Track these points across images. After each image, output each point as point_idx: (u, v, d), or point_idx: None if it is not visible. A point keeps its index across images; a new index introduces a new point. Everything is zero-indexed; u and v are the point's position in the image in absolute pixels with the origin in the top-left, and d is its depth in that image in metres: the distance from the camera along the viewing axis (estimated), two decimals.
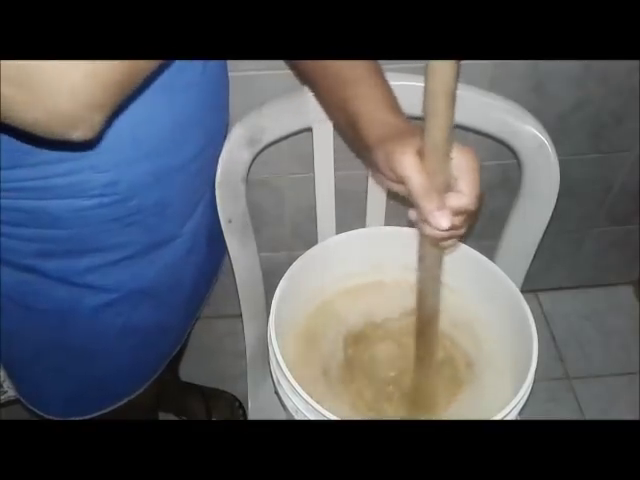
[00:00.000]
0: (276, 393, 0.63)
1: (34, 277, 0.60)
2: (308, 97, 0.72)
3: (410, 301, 0.62)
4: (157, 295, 0.69)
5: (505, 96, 0.73)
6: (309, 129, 0.75)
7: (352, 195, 0.96)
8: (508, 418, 0.58)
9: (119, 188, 0.55)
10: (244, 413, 1.18)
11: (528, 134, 0.73)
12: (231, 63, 0.66)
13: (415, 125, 0.53)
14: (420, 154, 0.47)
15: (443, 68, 0.41)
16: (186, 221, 0.67)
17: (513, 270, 0.77)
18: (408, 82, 0.71)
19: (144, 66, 0.41)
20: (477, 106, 0.73)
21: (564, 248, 1.27)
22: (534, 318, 0.64)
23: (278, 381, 0.62)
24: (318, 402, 0.56)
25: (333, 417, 0.55)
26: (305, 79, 0.68)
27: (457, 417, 0.64)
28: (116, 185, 0.55)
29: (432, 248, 0.53)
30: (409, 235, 0.60)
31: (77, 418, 0.74)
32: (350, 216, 0.87)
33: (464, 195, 0.49)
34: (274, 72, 0.86)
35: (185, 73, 0.55)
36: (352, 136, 0.59)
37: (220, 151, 0.69)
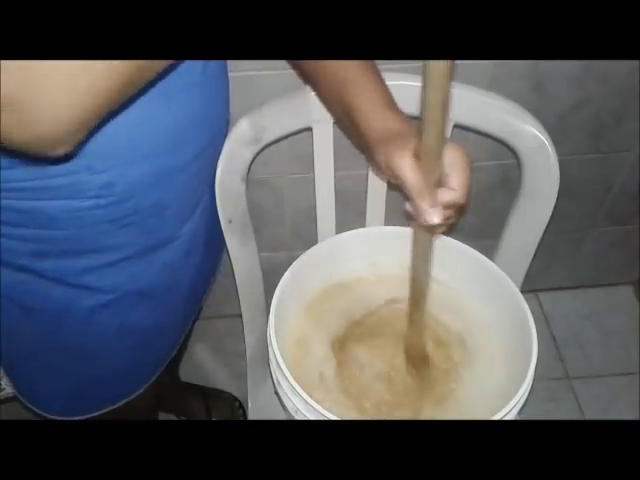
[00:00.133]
0: (276, 393, 0.63)
1: (31, 277, 0.60)
2: (308, 97, 0.72)
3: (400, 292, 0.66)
4: (155, 296, 0.69)
5: (505, 96, 0.73)
6: (309, 129, 0.76)
7: (352, 195, 0.97)
8: (507, 418, 0.58)
9: (115, 189, 0.55)
10: (244, 413, 1.18)
11: (528, 134, 0.73)
12: (231, 63, 0.66)
13: (411, 124, 0.57)
14: (416, 156, 0.52)
15: (439, 81, 0.45)
16: (185, 223, 0.67)
17: (513, 270, 0.77)
18: (407, 82, 0.72)
19: (129, 82, 0.41)
20: (477, 106, 0.73)
21: (564, 248, 1.27)
22: (534, 318, 0.64)
23: (278, 381, 0.62)
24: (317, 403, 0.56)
25: (333, 417, 0.55)
26: (307, 79, 0.69)
27: (455, 417, 0.64)
28: (112, 186, 0.55)
29: (424, 233, 0.58)
30: (409, 235, 0.60)
31: (76, 418, 0.74)
32: (350, 216, 0.87)
33: (454, 190, 0.53)
34: (274, 72, 0.86)
35: (183, 75, 0.54)
36: (354, 134, 0.61)
37: (221, 151, 0.69)
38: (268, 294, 0.77)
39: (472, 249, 0.72)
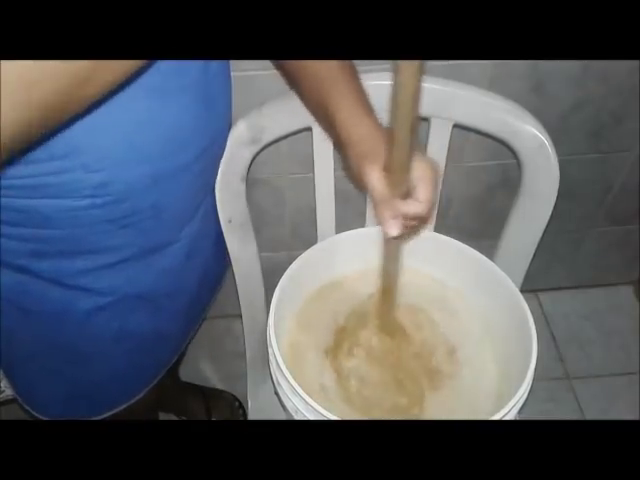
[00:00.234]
0: (276, 394, 0.63)
1: (29, 278, 0.60)
2: None
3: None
4: (154, 300, 0.68)
5: (505, 96, 0.73)
6: (309, 129, 0.76)
7: (352, 195, 0.96)
8: (507, 418, 0.58)
9: (112, 189, 0.54)
10: (244, 413, 1.18)
11: (528, 134, 0.73)
12: (231, 63, 0.66)
13: (384, 128, 0.58)
14: (385, 168, 0.55)
15: (406, 106, 0.48)
16: (184, 225, 0.66)
17: (513, 270, 0.77)
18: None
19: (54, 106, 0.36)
20: (477, 106, 0.73)
21: (564, 248, 1.27)
22: (534, 318, 0.64)
23: (278, 381, 0.62)
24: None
25: (333, 417, 0.55)
26: (290, 82, 0.70)
27: (453, 416, 0.64)
28: (108, 186, 0.54)
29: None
30: None
31: None
32: (350, 216, 0.87)
33: (420, 203, 0.55)
34: (274, 72, 0.85)
35: (182, 76, 0.54)
36: (331, 136, 0.64)
37: (223, 152, 0.69)
38: (268, 294, 0.77)
39: (472, 249, 0.72)
